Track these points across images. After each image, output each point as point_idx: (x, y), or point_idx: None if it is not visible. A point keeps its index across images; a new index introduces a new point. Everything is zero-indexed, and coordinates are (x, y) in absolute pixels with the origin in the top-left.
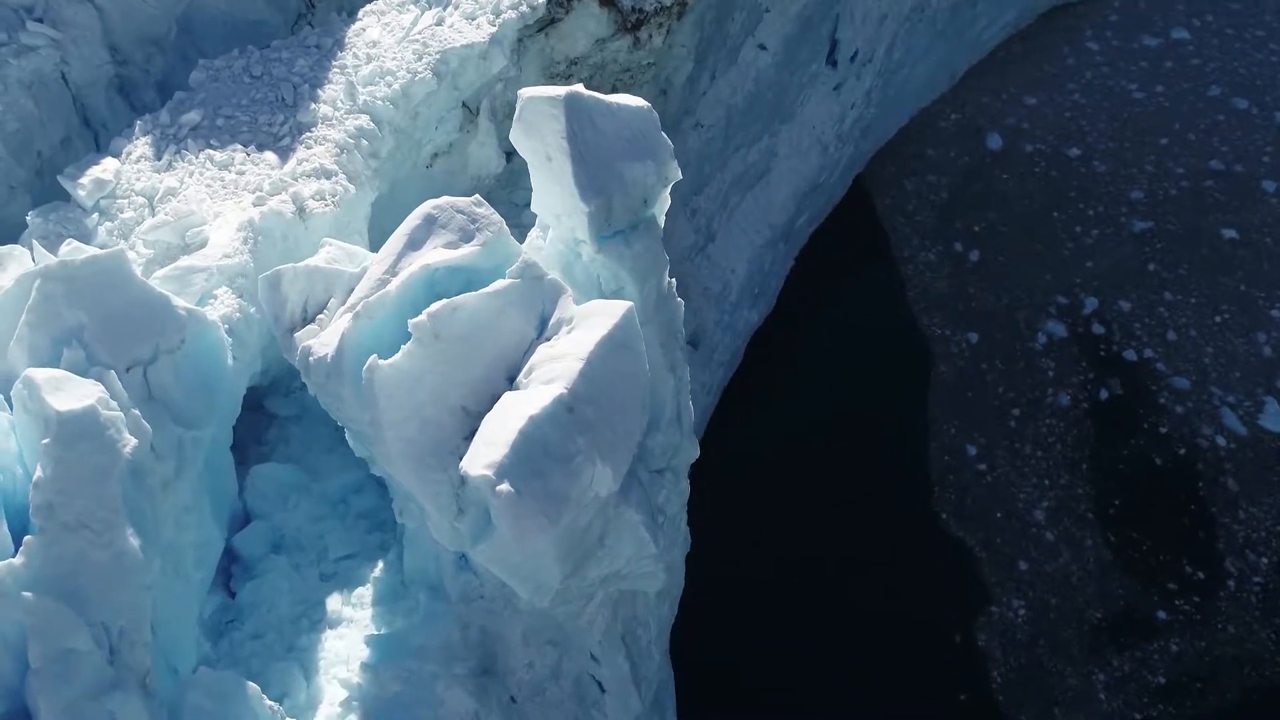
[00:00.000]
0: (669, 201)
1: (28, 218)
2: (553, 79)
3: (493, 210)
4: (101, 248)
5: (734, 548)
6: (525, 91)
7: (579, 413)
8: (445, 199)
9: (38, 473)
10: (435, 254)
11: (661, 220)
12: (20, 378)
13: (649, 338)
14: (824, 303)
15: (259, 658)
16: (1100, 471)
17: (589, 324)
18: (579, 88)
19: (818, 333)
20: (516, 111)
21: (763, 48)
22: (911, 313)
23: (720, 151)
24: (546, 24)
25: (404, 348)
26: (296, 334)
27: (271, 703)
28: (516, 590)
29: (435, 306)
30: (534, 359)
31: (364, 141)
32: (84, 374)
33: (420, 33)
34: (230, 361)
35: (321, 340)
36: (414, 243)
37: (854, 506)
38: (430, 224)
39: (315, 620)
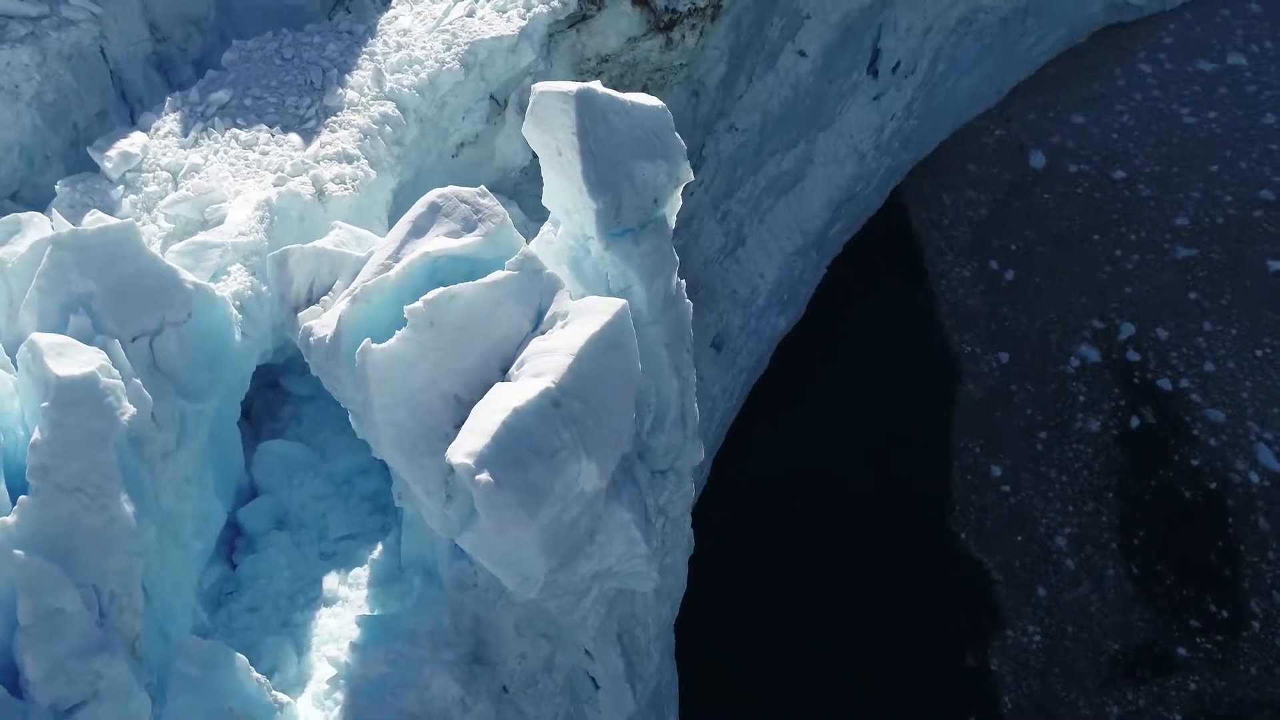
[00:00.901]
0: (680, 202)
1: (56, 186)
2: (583, 75)
3: (496, 202)
4: (123, 219)
5: (748, 555)
6: (539, 86)
7: (566, 408)
8: (451, 188)
9: (35, 434)
10: (437, 242)
11: (672, 221)
12: (25, 341)
13: (655, 337)
14: (854, 314)
15: (253, 630)
16: (1126, 501)
17: (582, 320)
18: (594, 84)
19: (846, 343)
20: (529, 105)
21: (802, 54)
22: (942, 329)
23: (754, 156)
24: (578, 20)
25: (399, 333)
26: (300, 314)
27: (258, 675)
28: (502, 580)
29: (432, 294)
30: (526, 352)
31: (388, 128)
32: (89, 341)
33: (451, 23)
34: (238, 338)
35: (323, 321)
36: (417, 230)
37: (872, 520)
38: (434, 212)
39: (311, 597)
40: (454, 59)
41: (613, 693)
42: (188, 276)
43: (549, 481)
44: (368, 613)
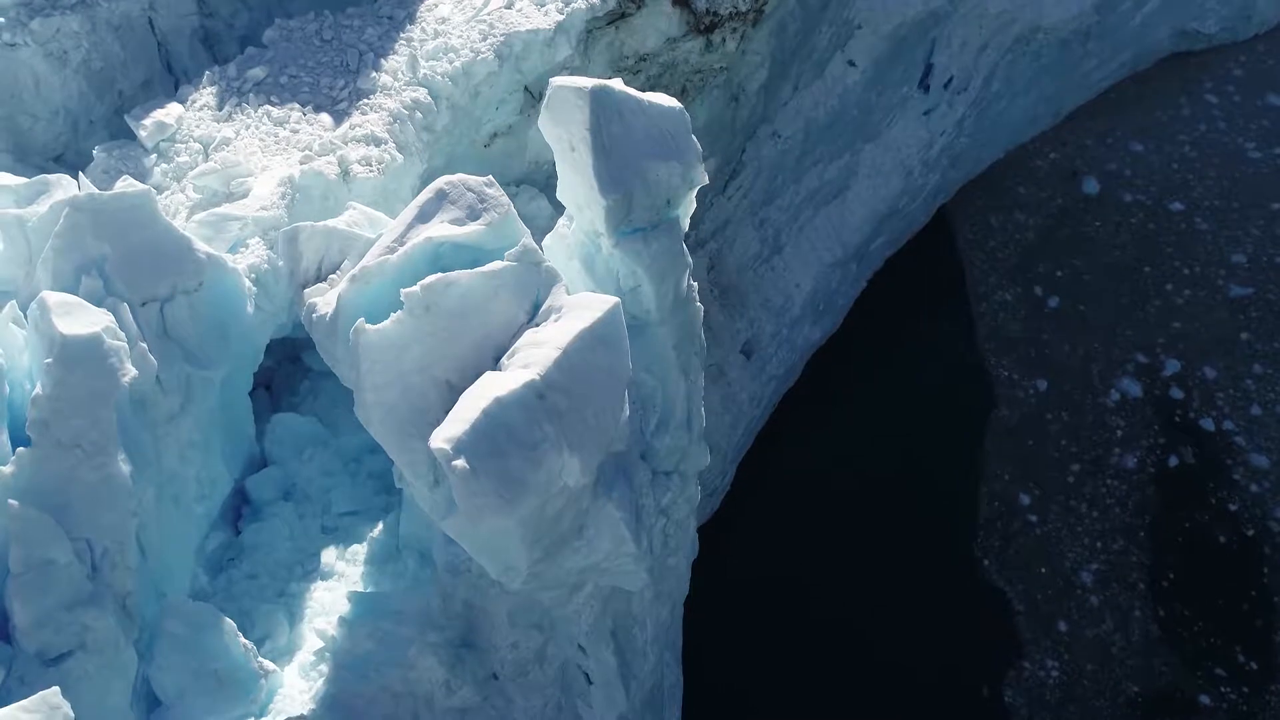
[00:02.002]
0: (694, 205)
1: (94, 151)
2: (620, 73)
3: (502, 192)
4: (159, 189)
5: (766, 564)
6: (555, 80)
7: (550, 401)
8: (459, 176)
9: (37, 389)
10: (440, 228)
11: (685, 223)
12: (36, 299)
13: (664, 338)
14: (892, 330)
15: (250, 597)
16: (1158, 541)
17: (574, 315)
18: (612, 82)
19: (881, 359)
20: (545, 98)
21: (852, 64)
22: (980, 352)
23: (796, 164)
24: (617, 18)
25: (394, 315)
26: (306, 290)
27: (245, 641)
28: (486, 567)
29: (430, 279)
30: (518, 343)
31: (418, 114)
32: (99, 303)
33: (489, 14)
34: (251, 310)
35: (326, 299)
36: (423, 215)
37: (894, 539)
38: (441, 199)
39: (309, 570)
40: (489, 49)
41: (605, 689)
42: (201, 246)
43: (528, 473)
44: (361, 589)
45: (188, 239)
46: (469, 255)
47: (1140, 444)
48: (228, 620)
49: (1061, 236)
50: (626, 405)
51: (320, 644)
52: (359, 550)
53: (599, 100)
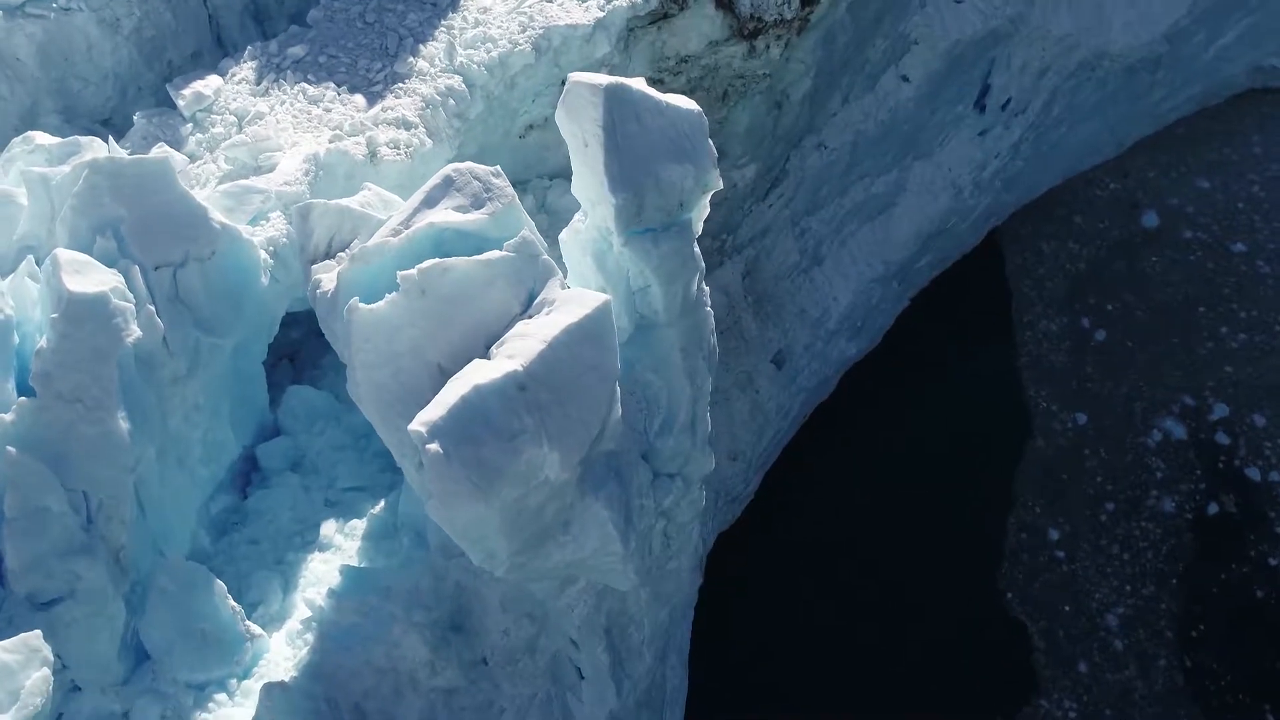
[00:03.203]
0: (708, 209)
1: (135, 117)
2: (662, 74)
3: (508, 183)
4: (192, 157)
5: (783, 579)
6: (573, 75)
7: (531, 393)
8: (468, 164)
9: (41, 342)
10: (443, 214)
11: (698, 227)
12: (50, 254)
13: (671, 340)
14: (931, 350)
15: (249, 561)
16: (1191, 590)
17: (563, 310)
18: (632, 81)
19: (918, 379)
20: (563, 93)
21: (905, 79)
22: (1020, 380)
23: (842, 176)
24: (659, 18)
25: (388, 296)
26: (314, 266)
27: (234, 604)
28: (467, 552)
29: (427, 264)
30: (508, 334)
31: (451, 101)
32: (113, 264)
33: (530, 6)
34: (266, 281)
35: (330, 276)
36: (429, 201)
37: (915, 563)
38: (447, 186)
39: (308, 540)
40: (527, 42)
41: (597, 685)
42: (216, 216)
43: (504, 462)
44: (355, 564)
45: (204, 208)
46: (472, 243)
47: (1180, 488)
48: (218, 582)
49: (1115, 269)
50: (617, 404)
51: (309, 614)
52: (358, 525)
53: (613, 98)
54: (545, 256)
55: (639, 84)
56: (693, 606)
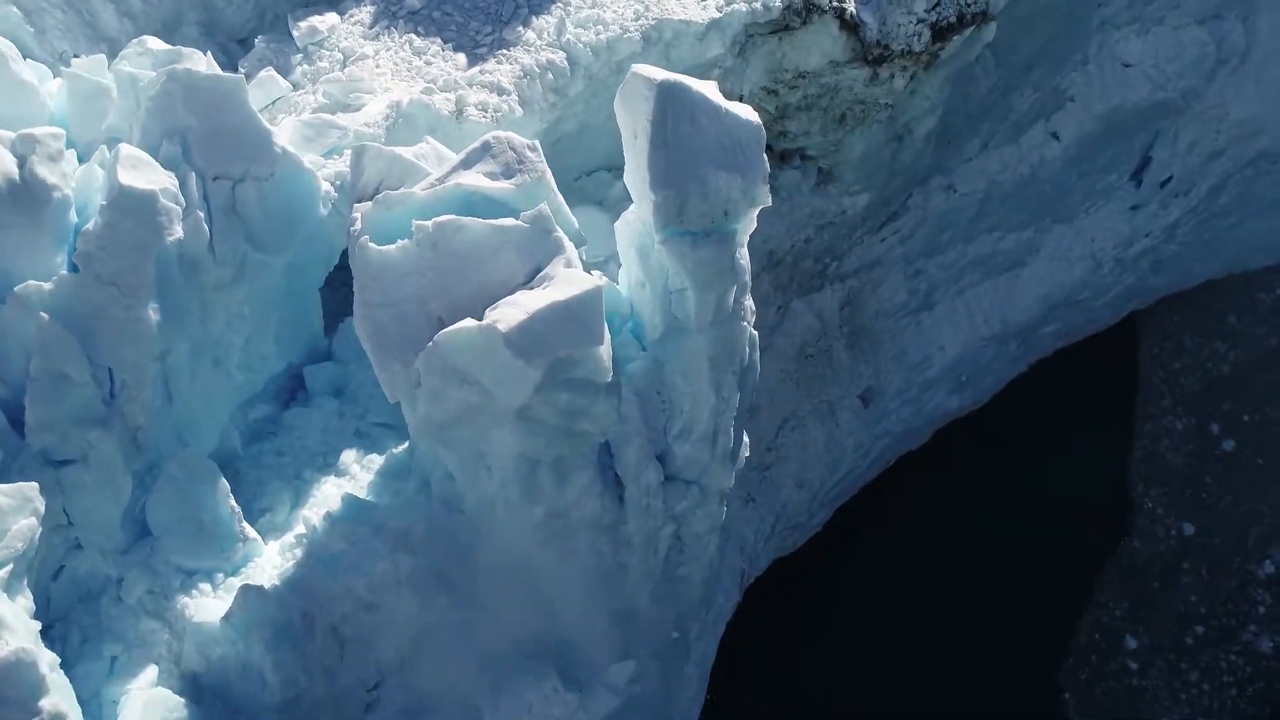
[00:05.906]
0: (754, 224)
1: (255, 40)
2: (778, 85)
3: (542, 158)
4: (295, 85)
5: (831, 618)
6: (635, 67)
7: None
8: (507, 134)
9: (90, 224)
10: (473, 178)
11: (744, 239)
12: (115, 148)
13: (699, 348)
14: (1040, 422)
15: (270, 471)
16: None
17: (556, 287)
18: (699, 82)
19: (1018, 449)
20: (622, 82)
21: (1055, 137)
22: (1130, 475)
23: (969, 225)
24: (780, 29)
25: (400, 242)
26: (356, 205)
27: (234, 504)
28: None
29: (442, 219)
30: (502, 301)
31: (550, 75)
32: (174, 168)
33: None
34: (324, 211)
35: (362, 217)
36: (466, 163)
37: (973, 637)
38: (485, 151)
39: (329, 463)
40: (637, 30)
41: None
42: (280, 142)
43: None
44: (361, 495)
45: (269, 131)
46: (495, 209)
47: None
48: (223, 480)
49: (1261, 379)
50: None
51: (304, 531)
52: (376, 460)
53: (667, 94)
54: (558, 233)
55: (704, 85)
56: (723, 623)
